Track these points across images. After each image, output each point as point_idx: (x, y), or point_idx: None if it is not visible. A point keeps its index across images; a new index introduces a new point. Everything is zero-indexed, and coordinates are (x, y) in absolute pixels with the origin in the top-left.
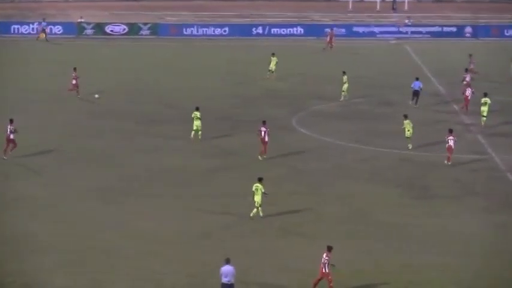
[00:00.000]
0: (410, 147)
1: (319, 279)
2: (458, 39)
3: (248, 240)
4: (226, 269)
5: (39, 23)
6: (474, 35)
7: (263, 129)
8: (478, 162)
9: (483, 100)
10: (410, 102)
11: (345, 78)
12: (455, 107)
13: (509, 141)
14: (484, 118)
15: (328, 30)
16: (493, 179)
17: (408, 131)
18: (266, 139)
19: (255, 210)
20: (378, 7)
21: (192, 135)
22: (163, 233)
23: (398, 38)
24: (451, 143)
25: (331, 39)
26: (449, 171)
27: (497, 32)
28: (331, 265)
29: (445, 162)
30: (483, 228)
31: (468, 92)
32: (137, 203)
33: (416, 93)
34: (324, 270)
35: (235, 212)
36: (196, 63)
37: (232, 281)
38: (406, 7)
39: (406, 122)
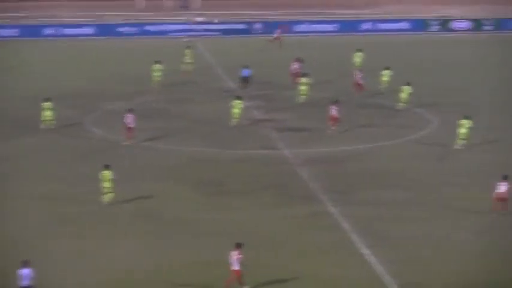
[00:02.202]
0: (234, 123)
1: (238, 278)
2: (248, 35)
3: (52, 242)
4: (24, 272)
5: None
6: (264, 31)
7: (129, 115)
8: (269, 157)
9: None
10: (240, 91)
11: (157, 66)
12: (247, 102)
13: (298, 135)
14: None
15: (277, 28)
16: (283, 173)
17: (237, 109)
18: (131, 126)
19: (107, 195)
20: (170, 5)
21: (42, 125)
22: None
23: (190, 36)
24: (334, 112)
25: (279, 35)
26: (242, 166)
27: (286, 27)
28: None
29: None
30: (274, 222)
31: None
32: None
33: (245, 79)
34: (234, 268)
35: (36, 214)
36: None
37: (31, 284)
38: (197, 5)
39: (238, 102)
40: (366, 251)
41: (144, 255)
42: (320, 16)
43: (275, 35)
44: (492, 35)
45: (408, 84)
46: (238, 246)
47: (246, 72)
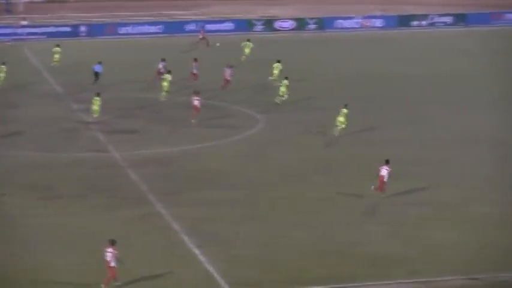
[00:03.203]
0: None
1: (113, 274)
2: (74, 38)
3: None
4: None
5: None
6: (89, 33)
7: None
8: (99, 160)
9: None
10: (91, 85)
11: (2, 67)
12: (75, 105)
13: (127, 137)
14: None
15: (201, 28)
16: (114, 175)
17: (96, 106)
18: None
19: None
20: None
21: None
22: None
23: (15, 40)
24: (196, 103)
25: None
26: (72, 170)
27: (112, 30)
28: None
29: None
30: (106, 224)
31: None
32: None
33: (96, 74)
34: (110, 265)
35: None
36: None
37: None
38: (21, 8)
39: (97, 98)
40: (196, 251)
41: None
42: (145, 18)
43: (201, 36)
44: (315, 34)
45: (286, 78)
46: (112, 243)
47: (97, 68)
